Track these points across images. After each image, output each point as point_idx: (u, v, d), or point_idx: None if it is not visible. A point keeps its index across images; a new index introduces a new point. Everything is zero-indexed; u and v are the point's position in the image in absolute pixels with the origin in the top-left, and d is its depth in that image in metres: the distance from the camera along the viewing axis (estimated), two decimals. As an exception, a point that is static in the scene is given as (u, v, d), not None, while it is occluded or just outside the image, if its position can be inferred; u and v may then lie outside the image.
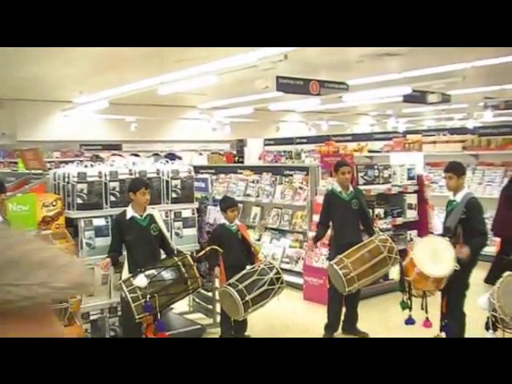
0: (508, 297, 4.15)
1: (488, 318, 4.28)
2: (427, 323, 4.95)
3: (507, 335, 4.23)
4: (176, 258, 5.16)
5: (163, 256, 5.36)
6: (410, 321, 5.08)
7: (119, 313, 5.51)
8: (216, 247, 5.62)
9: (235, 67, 9.47)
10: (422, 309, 4.90)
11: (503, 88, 14.96)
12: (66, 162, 6.24)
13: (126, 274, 5.08)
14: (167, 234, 5.32)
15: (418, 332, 5.10)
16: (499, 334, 4.26)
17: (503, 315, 4.09)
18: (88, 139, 17.68)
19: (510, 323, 4.10)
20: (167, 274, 5.03)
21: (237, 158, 13.55)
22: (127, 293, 4.81)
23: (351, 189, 6.18)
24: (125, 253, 5.24)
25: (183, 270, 5.09)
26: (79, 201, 5.39)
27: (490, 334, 4.28)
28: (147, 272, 4.93)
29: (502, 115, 19.73)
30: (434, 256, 4.82)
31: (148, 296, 4.81)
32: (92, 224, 5.39)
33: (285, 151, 14.71)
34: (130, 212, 5.12)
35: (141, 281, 4.84)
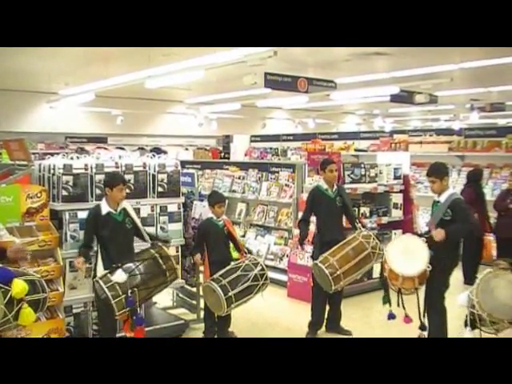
0: (486, 293, 4.16)
1: (467, 315, 4.31)
2: (407, 319, 4.96)
3: (484, 334, 4.25)
4: (152, 251, 5.10)
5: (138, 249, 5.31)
6: (391, 315, 5.10)
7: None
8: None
9: (223, 63, 9.44)
10: (398, 306, 4.91)
11: (489, 90, 15.10)
12: (52, 154, 6.15)
13: (100, 269, 4.96)
14: (141, 226, 5.26)
15: (400, 329, 5.13)
16: (477, 333, 4.28)
17: (481, 311, 4.11)
18: (73, 131, 17.53)
19: (486, 320, 4.12)
20: (145, 267, 4.97)
21: (223, 154, 13.52)
22: (106, 290, 4.73)
23: (335, 186, 6.19)
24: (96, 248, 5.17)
25: (161, 261, 5.05)
26: (64, 193, 5.33)
27: (468, 331, 4.31)
28: (125, 266, 4.88)
29: (488, 117, 19.93)
30: (407, 255, 4.83)
31: (129, 291, 4.77)
32: (77, 217, 5.32)
33: (271, 148, 14.71)
34: (105, 207, 5.02)
35: (120, 276, 4.78)
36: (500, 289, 4.14)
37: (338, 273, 5.52)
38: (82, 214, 5.29)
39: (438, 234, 4.78)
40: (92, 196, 5.44)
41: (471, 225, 5.06)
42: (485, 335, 4.23)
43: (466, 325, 4.32)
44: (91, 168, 5.46)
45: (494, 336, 4.16)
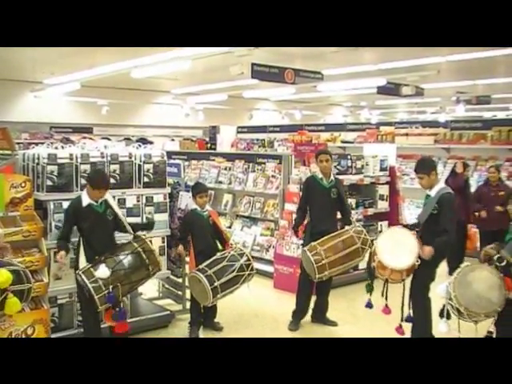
0: (463, 287, 4.17)
1: (444, 305, 4.34)
2: (386, 310, 5.01)
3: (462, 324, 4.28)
4: (135, 244, 5.07)
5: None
6: (368, 304, 5.17)
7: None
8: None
9: (210, 53, 9.38)
10: (383, 295, 4.95)
11: (475, 83, 15.16)
12: (36, 144, 6.08)
13: (82, 260, 4.93)
14: (123, 217, 5.22)
15: (384, 320, 5.16)
16: (451, 323, 4.32)
17: (458, 305, 4.13)
18: (58, 121, 17.35)
19: (464, 313, 4.15)
20: (128, 262, 4.95)
21: (209, 145, 13.45)
22: (88, 284, 4.72)
23: (332, 177, 6.18)
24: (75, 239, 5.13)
25: (144, 255, 5.03)
26: (49, 183, 5.27)
27: (443, 322, 4.34)
28: (108, 261, 4.85)
29: (474, 110, 20.05)
30: (396, 248, 4.85)
31: (111, 286, 4.75)
32: (62, 207, 5.26)
33: (258, 139, 14.68)
34: (86, 199, 4.98)
35: (103, 272, 4.76)
36: (477, 283, 4.13)
37: (324, 262, 5.57)
38: (67, 204, 5.24)
39: (427, 253, 4.79)
40: (77, 186, 5.39)
41: (450, 236, 4.98)
42: (463, 324, 4.25)
43: (441, 315, 4.36)
44: (76, 158, 5.41)
45: (473, 325, 4.19)
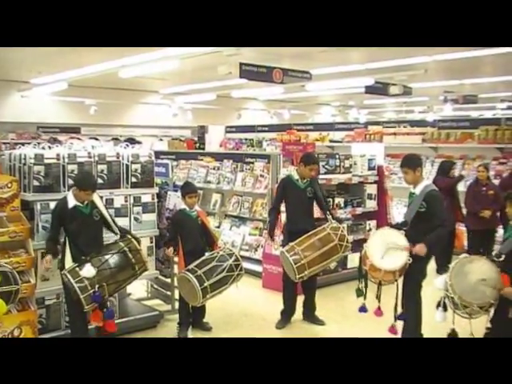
0: (460, 277, 4.30)
1: (442, 297, 4.42)
2: (378, 312, 5.02)
3: (457, 317, 4.37)
4: (122, 244, 5.06)
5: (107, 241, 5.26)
6: (363, 309, 5.16)
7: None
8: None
9: (198, 52, 9.35)
10: (377, 297, 4.97)
11: (462, 83, 15.23)
12: (23, 144, 6.04)
13: (68, 260, 4.89)
14: (109, 218, 5.19)
15: (373, 320, 5.17)
16: (449, 314, 4.40)
17: (453, 294, 4.24)
18: (45, 121, 17.21)
19: (458, 303, 4.23)
20: (114, 261, 4.94)
21: (198, 145, 13.42)
22: (74, 284, 4.69)
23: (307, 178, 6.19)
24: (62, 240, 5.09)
25: (130, 255, 5.02)
26: (36, 183, 5.24)
27: (439, 312, 4.41)
28: (93, 260, 4.83)
29: (461, 109, 20.15)
30: (387, 249, 4.86)
31: (97, 286, 4.73)
32: (49, 207, 5.23)
33: (246, 139, 14.66)
34: (72, 200, 4.95)
35: (88, 271, 4.74)
36: (473, 274, 4.27)
37: (303, 262, 5.59)
38: (54, 206, 5.21)
39: (420, 250, 4.80)
40: (64, 186, 5.36)
41: (443, 228, 5.05)
42: (458, 318, 4.35)
43: (438, 306, 4.43)
44: (63, 158, 5.38)
45: (467, 318, 4.28)
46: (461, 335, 4.39)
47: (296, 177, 6.18)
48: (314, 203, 6.25)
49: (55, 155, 5.36)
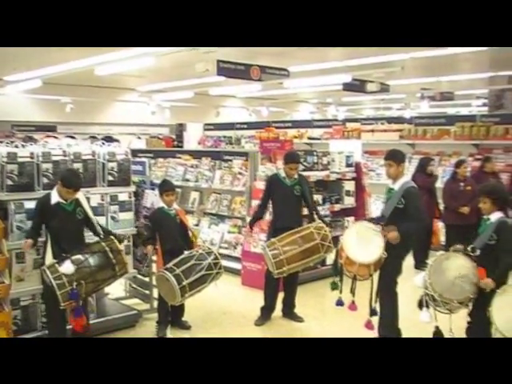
0: (438, 275, 4.35)
1: (421, 295, 4.44)
2: (352, 306, 5.05)
3: (438, 314, 4.39)
4: (103, 244, 5.02)
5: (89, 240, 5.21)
6: (339, 302, 5.18)
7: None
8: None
9: (175, 50, 9.27)
10: (351, 292, 4.98)
11: (439, 80, 15.35)
12: (-4, 143, 5.93)
13: (49, 258, 4.86)
14: (93, 218, 5.16)
15: (351, 316, 5.19)
16: (432, 312, 4.42)
17: (433, 292, 4.27)
18: (20, 119, 17.00)
19: (438, 300, 4.28)
20: (94, 260, 4.90)
21: (176, 143, 13.35)
22: (52, 280, 4.65)
23: (295, 176, 6.18)
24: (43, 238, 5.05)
25: (111, 255, 4.98)
26: (9, 182, 5.14)
27: (423, 312, 4.43)
28: (73, 258, 4.78)
29: (438, 106, 20.34)
30: (363, 242, 4.90)
31: (75, 283, 4.67)
32: (23, 207, 5.15)
33: (225, 136, 14.62)
34: (55, 197, 4.91)
35: (67, 268, 4.69)
36: (450, 270, 4.32)
37: (281, 258, 5.59)
38: (29, 204, 5.13)
39: (393, 237, 4.85)
40: (39, 185, 5.28)
41: (419, 223, 5.12)
42: (439, 315, 4.38)
43: (420, 305, 4.45)
44: (37, 156, 5.30)
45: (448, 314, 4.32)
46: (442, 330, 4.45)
47: (283, 174, 6.18)
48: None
49: (29, 154, 5.27)
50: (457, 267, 4.29)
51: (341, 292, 5.11)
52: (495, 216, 4.37)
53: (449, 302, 4.26)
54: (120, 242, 5.20)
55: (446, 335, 4.32)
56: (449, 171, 9.10)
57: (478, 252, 4.32)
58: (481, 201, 4.46)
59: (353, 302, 5.03)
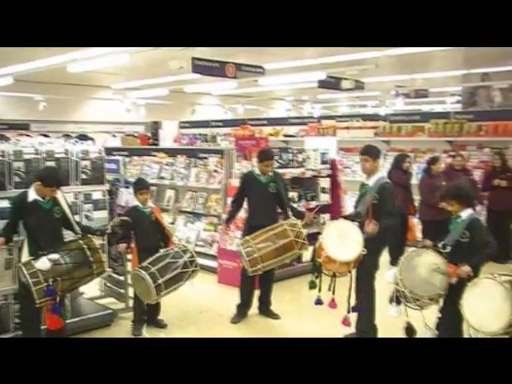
0: (409, 271, 4.39)
1: (392, 291, 4.49)
2: (332, 304, 5.06)
3: (409, 310, 4.45)
4: (81, 241, 4.99)
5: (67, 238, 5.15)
6: (318, 301, 5.19)
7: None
8: (126, 219, 5.55)
9: (149, 46, 9.20)
10: (330, 289, 4.99)
11: (413, 77, 15.49)
12: (-34, 141, 5.83)
13: (25, 255, 4.82)
14: (71, 217, 5.11)
15: (328, 313, 5.20)
16: (402, 308, 4.48)
17: (403, 288, 4.30)
18: (-9, 117, 16.77)
19: (408, 296, 4.31)
20: (71, 258, 4.85)
21: (151, 141, 13.26)
22: (28, 276, 4.59)
23: (270, 173, 6.17)
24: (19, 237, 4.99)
25: (88, 253, 4.94)
26: (-20, 181, 5.07)
27: (393, 307, 4.47)
28: (50, 255, 4.73)
29: (413, 103, 20.53)
30: (342, 240, 4.91)
31: (51, 280, 4.62)
32: (-6, 206, 5.08)
33: (200, 134, 14.56)
34: (33, 195, 4.85)
35: (43, 264, 4.64)
36: (421, 267, 4.36)
37: (255, 255, 5.59)
38: (0, 203, 5.04)
39: (371, 228, 4.87)
40: (10, 184, 5.20)
41: (396, 218, 5.17)
42: (410, 311, 4.43)
43: (391, 301, 4.49)
44: (8, 155, 5.21)
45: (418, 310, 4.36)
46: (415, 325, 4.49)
47: (257, 172, 6.17)
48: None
49: (0, 152, 5.19)
50: (427, 264, 4.33)
51: (320, 291, 5.10)
52: (466, 213, 4.43)
53: (419, 298, 4.30)
54: (102, 235, 5.19)
55: (420, 331, 4.37)
56: (421, 167, 9.17)
57: (448, 249, 4.37)
58: (448, 204, 4.51)
59: (332, 300, 5.03)
